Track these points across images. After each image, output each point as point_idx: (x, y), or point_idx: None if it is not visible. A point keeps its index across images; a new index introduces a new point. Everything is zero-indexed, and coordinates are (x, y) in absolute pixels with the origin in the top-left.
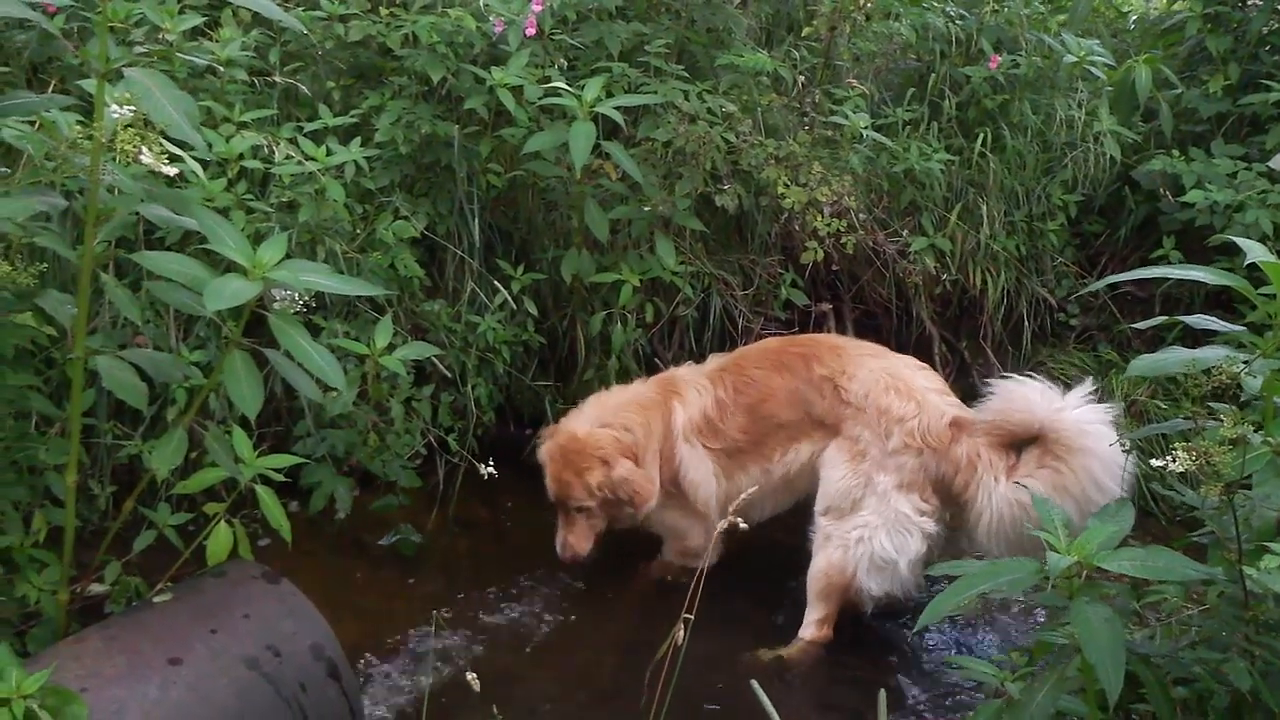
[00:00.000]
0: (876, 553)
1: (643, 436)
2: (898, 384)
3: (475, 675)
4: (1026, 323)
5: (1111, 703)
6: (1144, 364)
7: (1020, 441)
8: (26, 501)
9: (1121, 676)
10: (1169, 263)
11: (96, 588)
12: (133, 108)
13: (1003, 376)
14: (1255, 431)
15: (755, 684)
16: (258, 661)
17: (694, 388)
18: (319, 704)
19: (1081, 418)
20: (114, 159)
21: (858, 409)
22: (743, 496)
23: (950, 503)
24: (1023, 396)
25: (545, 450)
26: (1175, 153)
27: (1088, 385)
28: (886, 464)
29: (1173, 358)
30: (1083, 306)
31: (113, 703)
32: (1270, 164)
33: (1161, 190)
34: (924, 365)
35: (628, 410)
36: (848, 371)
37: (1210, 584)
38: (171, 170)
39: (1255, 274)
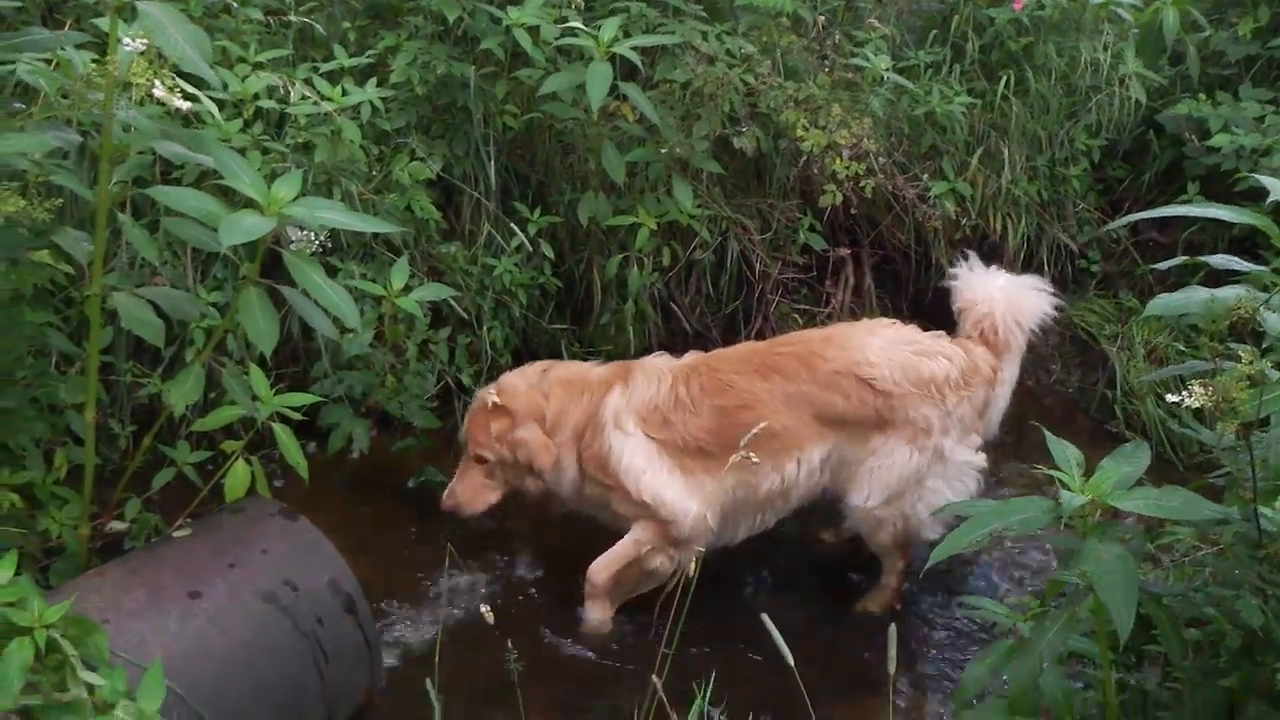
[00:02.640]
0: (938, 505)
1: (555, 412)
2: (914, 346)
3: (490, 609)
4: (1047, 268)
5: (1122, 642)
6: (1162, 303)
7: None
8: (48, 439)
9: (1133, 616)
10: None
11: (117, 525)
12: (145, 41)
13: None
14: (1274, 368)
15: (765, 616)
16: (275, 596)
17: (647, 376)
18: (335, 637)
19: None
20: (129, 96)
21: (901, 392)
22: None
23: (984, 414)
24: (978, 288)
25: (479, 392)
26: (1202, 96)
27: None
28: (950, 426)
29: (1192, 297)
30: (1104, 252)
31: (133, 634)
32: None
33: (1187, 135)
34: (892, 321)
35: (558, 384)
36: (862, 360)
37: (1225, 524)
38: (184, 104)
39: None
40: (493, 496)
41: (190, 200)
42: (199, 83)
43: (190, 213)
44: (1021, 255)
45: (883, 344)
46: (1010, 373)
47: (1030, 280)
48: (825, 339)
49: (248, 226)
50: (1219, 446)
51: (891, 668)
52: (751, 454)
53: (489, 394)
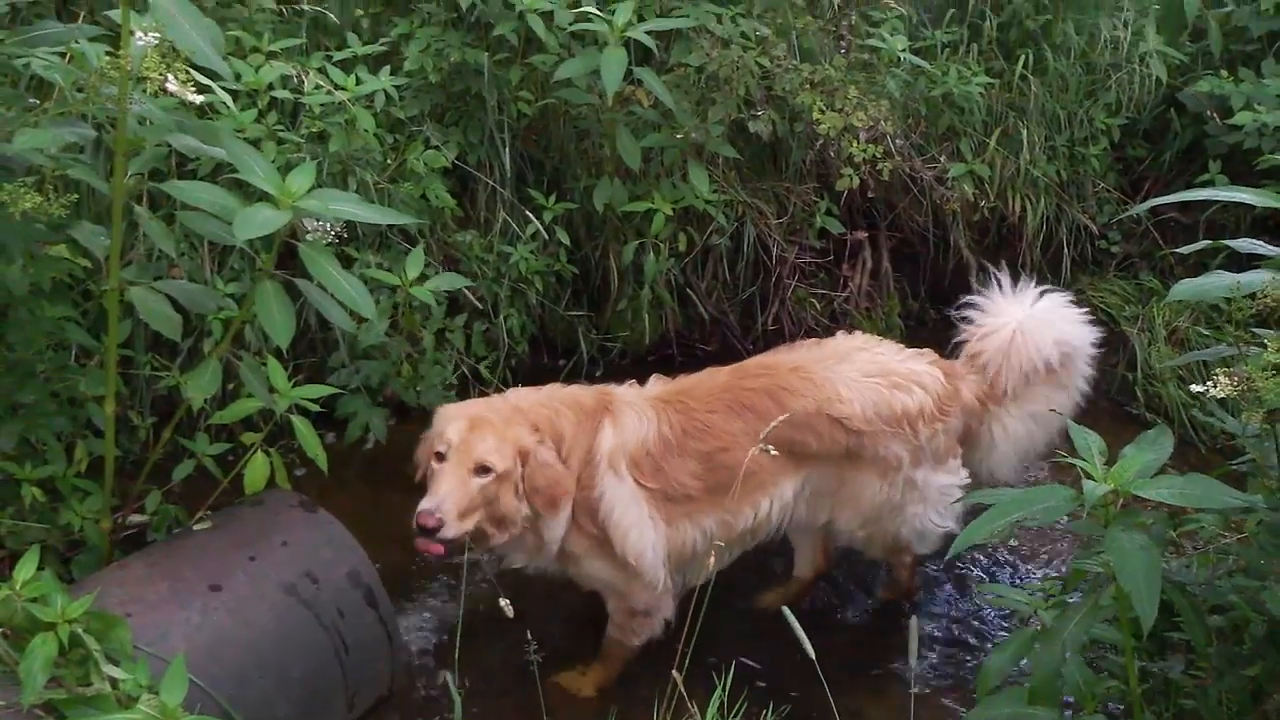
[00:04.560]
0: (927, 529)
1: (572, 433)
2: (887, 378)
3: (509, 603)
4: (1066, 250)
5: (1146, 630)
6: (1187, 288)
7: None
8: (69, 432)
9: (1156, 604)
10: (1214, 187)
11: (137, 517)
12: (158, 34)
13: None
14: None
15: (787, 610)
16: (296, 588)
17: (633, 411)
18: (356, 629)
19: (1070, 335)
20: (143, 89)
21: (871, 430)
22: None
23: (966, 444)
24: (1009, 340)
25: (450, 405)
26: (1224, 73)
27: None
28: (921, 458)
29: (1217, 282)
30: (1124, 233)
31: (156, 627)
32: None
33: (1208, 112)
34: (868, 337)
35: (563, 403)
36: (834, 396)
37: (1250, 512)
38: (198, 98)
39: None
40: (474, 520)
41: (205, 194)
42: (214, 75)
43: (205, 207)
44: (1040, 237)
45: (854, 375)
46: (1019, 412)
47: (1051, 311)
48: (794, 369)
49: (262, 220)
50: (1243, 435)
51: (913, 660)
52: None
53: (484, 402)
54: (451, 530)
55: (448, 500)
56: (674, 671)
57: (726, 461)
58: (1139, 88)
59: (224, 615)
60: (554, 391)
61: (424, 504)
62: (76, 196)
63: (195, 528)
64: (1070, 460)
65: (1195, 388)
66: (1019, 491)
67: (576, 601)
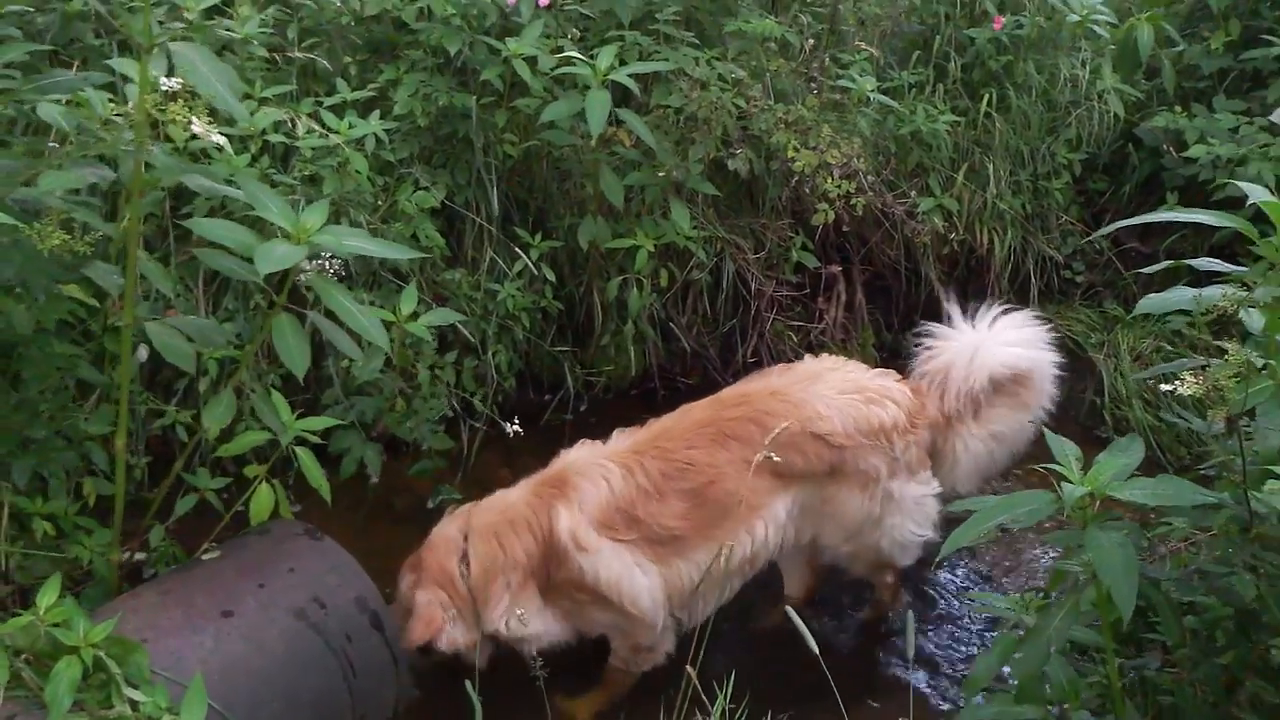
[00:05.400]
0: (907, 540)
1: (480, 569)
2: (861, 394)
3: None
4: (1033, 280)
5: (1125, 621)
6: (1151, 302)
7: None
8: (75, 469)
9: (1134, 597)
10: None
11: (140, 555)
12: (179, 80)
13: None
14: (1261, 370)
15: (789, 609)
16: (305, 613)
17: (591, 479)
18: (364, 653)
19: (1023, 357)
20: (159, 133)
21: (852, 444)
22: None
23: (931, 459)
24: (961, 352)
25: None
26: (1178, 109)
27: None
28: (897, 470)
29: (1179, 296)
30: (1088, 263)
31: (172, 653)
32: (1272, 117)
33: (1165, 146)
34: (835, 358)
35: (477, 536)
36: (814, 414)
37: (1218, 509)
38: (221, 139)
39: (1260, 224)
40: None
41: (222, 230)
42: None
43: (225, 243)
44: (1008, 267)
45: (830, 393)
46: (981, 431)
47: (1002, 333)
48: (771, 394)
49: (280, 255)
50: (1209, 434)
51: (910, 651)
52: (731, 544)
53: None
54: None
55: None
56: (688, 667)
57: (716, 494)
58: (1098, 124)
59: (236, 640)
60: (473, 520)
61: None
62: (100, 234)
63: (204, 558)
64: (1049, 467)
65: (1164, 386)
66: (1003, 497)
67: None
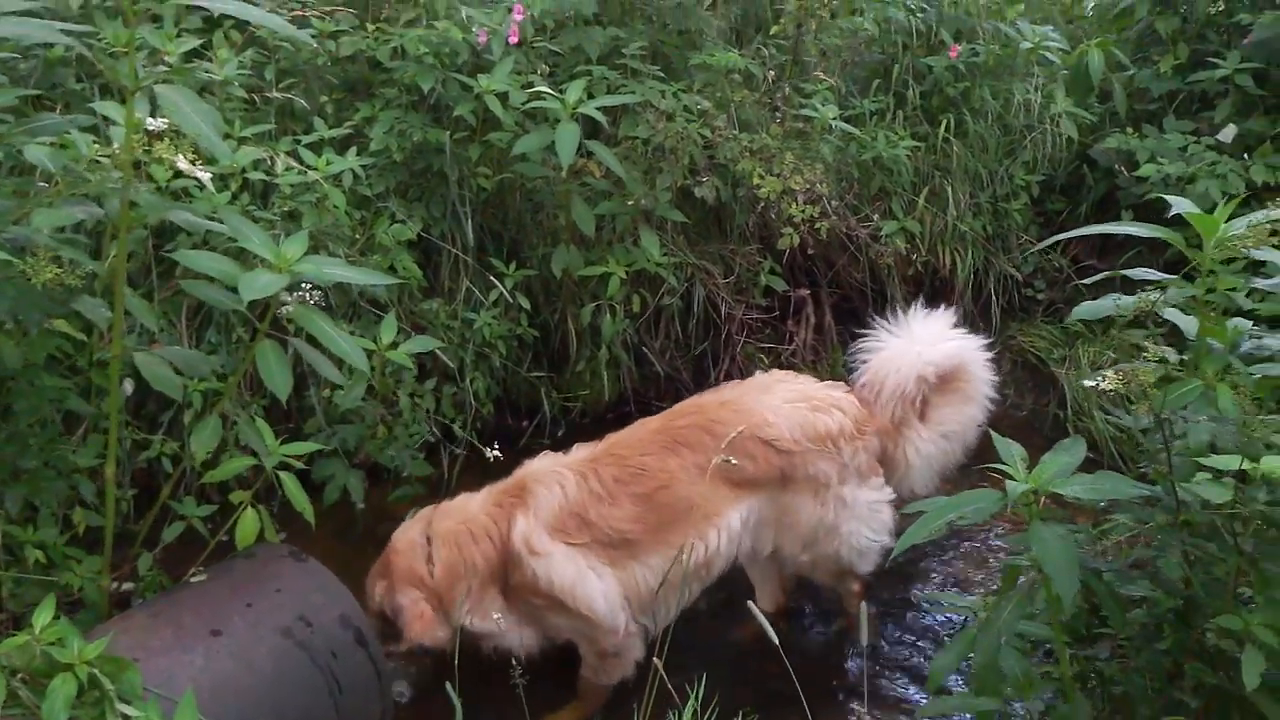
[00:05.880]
0: (864, 546)
1: (443, 573)
2: (808, 402)
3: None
4: (996, 299)
5: (1068, 605)
6: (1085, 309)
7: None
8: (63, 499)
9: (1075, 583)
10: (1124, 236)
11: (127, 585)
12: (165, 120)
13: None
14: (1180, 366)
15: (751, 604)
16: (291, 631)
17: (547, 486)
18: (349, 670)
19: (949, 350)
20: (148, 171)
21: (800, 450)
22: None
23: (885, 466)
24: (889, 360)
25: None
26: (1130, 130)
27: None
28: (847, 475)
29: (1105, 303)
30: (1048, 281)
31: (163, 671)
32: (1219, 136)
33: (1117, 166)
34: (786, 372)
35: (440, 541)
36: (762, 421)
37: (1153, 501)
38: (205, 175)
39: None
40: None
41: (208, 261)
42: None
43: (210, 273)
44: (971, 287)
45: (778, 402)
46: (930, 434)
47: (915, 339)
48: (722, 404)
49: (263, 283)
50: (1136, 428)
51: (864, 639)
52: (689, 541)
53: (386, 551)
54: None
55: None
56: (654, 659)
57: (667, 499)
58: (1053, 146)
59: (225, 658)
60: (435, 526)
61: None
62: (90, 270)
63: (192, 580)
64: (996, 467)
65: (1086, 382)
66: (951, 497)
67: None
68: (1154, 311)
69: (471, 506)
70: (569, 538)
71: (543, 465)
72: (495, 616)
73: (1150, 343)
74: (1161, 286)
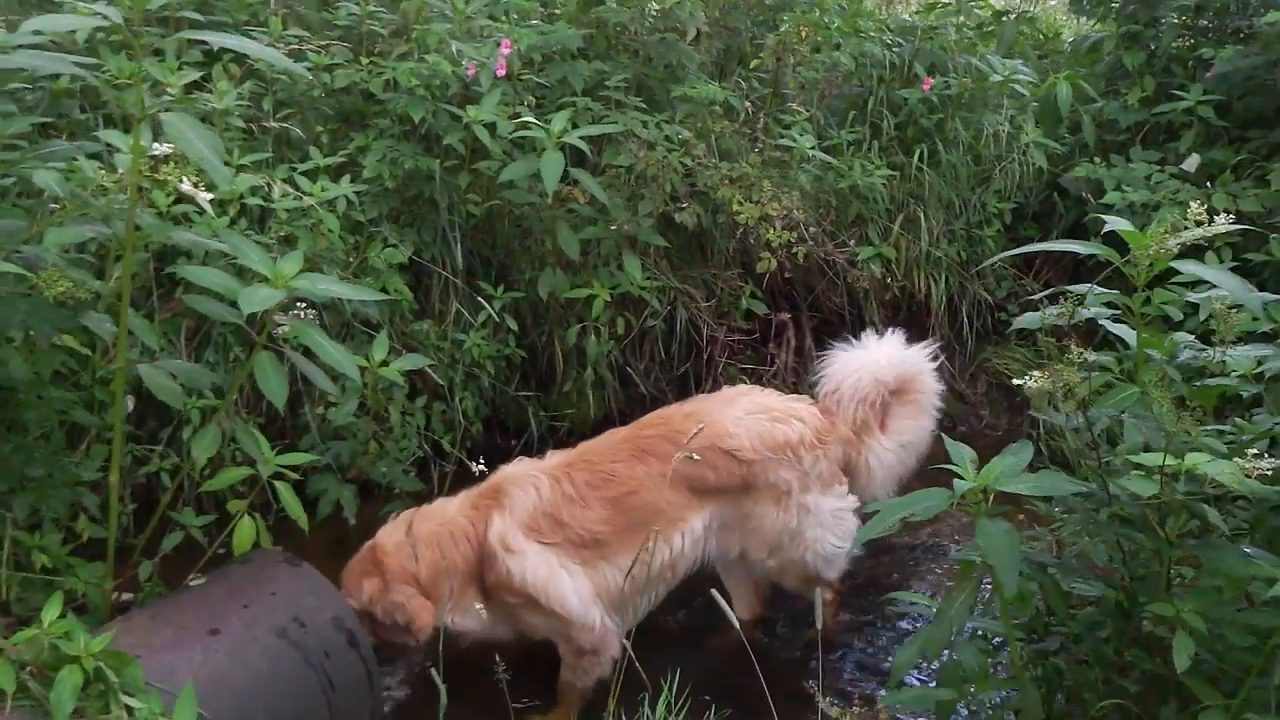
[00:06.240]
0: (829, 552)
1: (428, 573)
2: (768, 414)
3: (482, 607)
4: (970, 323)
5: (1008, 592)
6: (1025, 319)
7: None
8: (72, 504)
9: (1016, 574)
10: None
11: (127, 595)
12: (169, 145)
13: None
14: (1118, 373)
15: (715, 592)
16: (286, 631)
17: (522, 488)
18: (341, 669)
19: (901, 358)
20: (153, 194)
21: (760, 459)
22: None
23: (849, 474)
24: (848, 370)
25: (352, 562)
26: (1098, 160)
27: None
28: (809, 483)
29: (1046, 313)
30: (1021, 305)
31: (164, 667)
32: (1183, 166)
33: (1086, 194)
34: (752, 386)
35: (422, 543)
36: (723, 432)
37: (1088, 496)
38: (207, 198)
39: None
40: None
41: (209, 277)
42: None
43: (213, 287)
44: (946, 311)
45: (740, 414)
46: (890, 443)
47: (882, 347)
48: (687, 415)
49: (262, 297)
50: (1067, 427)
51: (819, 624)
52: (658, 533)
53: (364, 552)
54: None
55: None
56: (623, 641)
57: (634, 503)
58: (1024, 175)
59: (223, 656)
60: (416, 529)
61: None
62: (99, 285)
63: (191, 584)
64: (947, 468)
65: (1015, 381)
66: (905, 496)
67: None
68: (1079, 320)
69: (449, 510)
70: (542, 537)
71: (518, 469)
72: (478, 607)
73: (1076, 347)
74: (1081, 297)
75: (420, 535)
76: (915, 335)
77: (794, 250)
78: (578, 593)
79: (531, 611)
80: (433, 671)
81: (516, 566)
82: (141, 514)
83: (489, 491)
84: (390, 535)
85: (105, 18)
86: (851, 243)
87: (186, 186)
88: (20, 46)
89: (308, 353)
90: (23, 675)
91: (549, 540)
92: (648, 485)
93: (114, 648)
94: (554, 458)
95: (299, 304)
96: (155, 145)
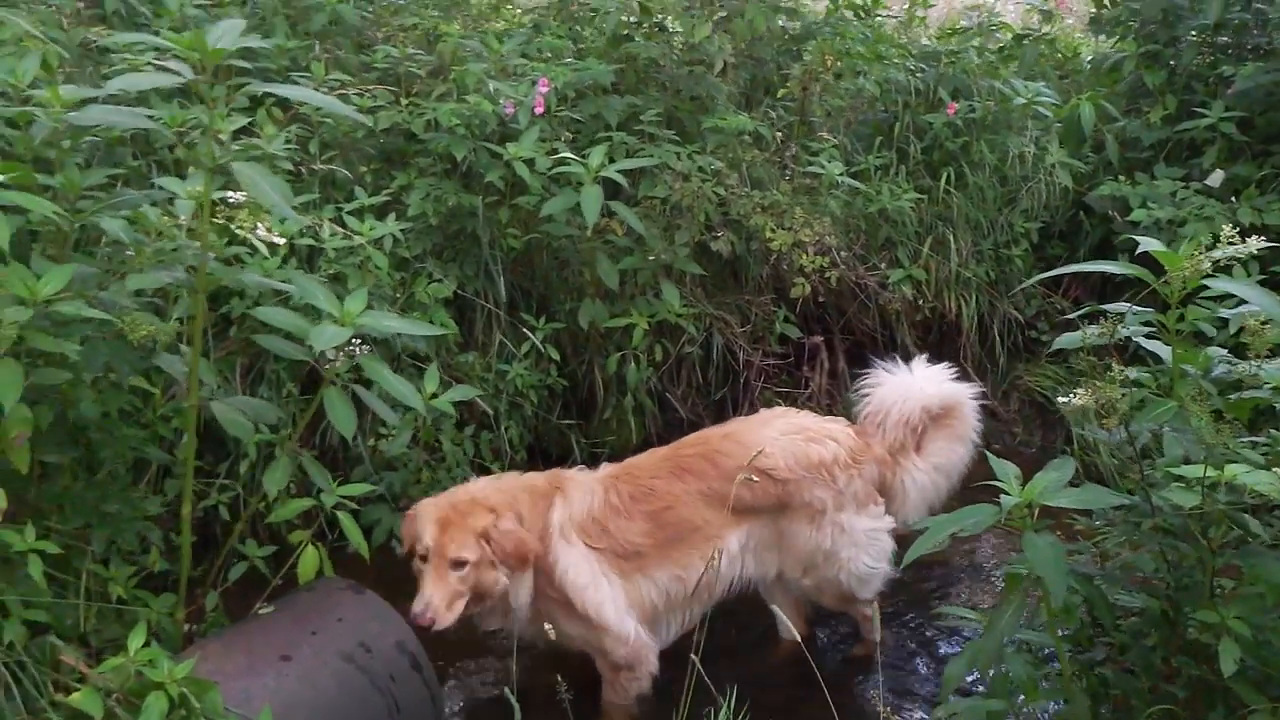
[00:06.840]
0: (864, 573)
1: (528, 511)
2: (803, 434)
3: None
4: (1001, 342)
5: (1057, 601)
6: (1065, 339)
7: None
8: (144, 538)
9: (1064, 584)
10: (1124, 277)
11: (191, 627)
12: (243, 194)
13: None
14: (1154, 388)
15: (775, 607)
16: (353, 656)
17: (581, 487)
18: (406, 692)
19: (947, 388)
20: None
21: (795, 478)
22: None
23: (884, 495)
24: (896, 395)
25: (422, 505)
26: (1122, 178)
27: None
28: (844, 503)
29: (1087, 332)
30: (1051, 323)
31: (240, 692)
32: (1207, 181)
33: (1111, 212)
34: (788, 408)
35: (518, 489)
36: (759, 451)
37: (1130, 509)
38: (281, 240)
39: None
40: (461, 606)
41: (280, 317)
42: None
43: (284, 327)
44: (977, 330)
45: (775, 434)
46: (925, 465)
47: (924, 374)
48: (724, 436)
49: (330, 335)
50: (1108, 441)
51: (876, 636)
52: (691, 560)
53: (448, 498)
54: (443, 622)
55: (434, 599)
56: (692, 655)
57: (671, 518)
58: (1049, 195)
59: (294, 681)
60: (511, 479)
61: (415, 606)
62: (180, 327)
63: (260, 612)
64: (993, 484)
65: (1060, 399)
66: (952, 512)
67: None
68: (1117, 338)
69: (523, 475)
70: (590, 540)
71: (575, 473)
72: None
73: (1117, 364)
74: (1120, 316)
75: (519, 484)
76: (947, 355)
77: (826, 274)
78: (613, 601)
79: (567, 615)
80: (506, 691)
81: (563, 559)
82: (199, 547)
83: (556, 479)
84: (475, 484)
85: (178, 74)
86: (882, 265)
87: (262, 231)
88: (88, 101)
89: (366, 384)
90: (109, 702)
91: (596, 545)
92: (685, 501)
93: (193, 674)
94: (605, 469)
95: (354, 340)
96: (231, 194)
